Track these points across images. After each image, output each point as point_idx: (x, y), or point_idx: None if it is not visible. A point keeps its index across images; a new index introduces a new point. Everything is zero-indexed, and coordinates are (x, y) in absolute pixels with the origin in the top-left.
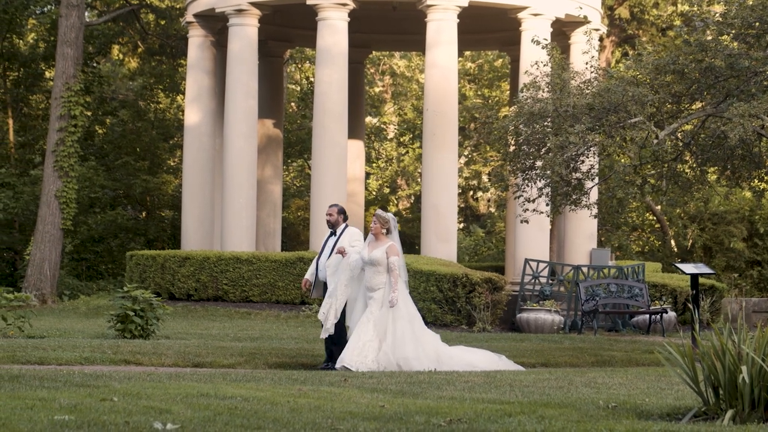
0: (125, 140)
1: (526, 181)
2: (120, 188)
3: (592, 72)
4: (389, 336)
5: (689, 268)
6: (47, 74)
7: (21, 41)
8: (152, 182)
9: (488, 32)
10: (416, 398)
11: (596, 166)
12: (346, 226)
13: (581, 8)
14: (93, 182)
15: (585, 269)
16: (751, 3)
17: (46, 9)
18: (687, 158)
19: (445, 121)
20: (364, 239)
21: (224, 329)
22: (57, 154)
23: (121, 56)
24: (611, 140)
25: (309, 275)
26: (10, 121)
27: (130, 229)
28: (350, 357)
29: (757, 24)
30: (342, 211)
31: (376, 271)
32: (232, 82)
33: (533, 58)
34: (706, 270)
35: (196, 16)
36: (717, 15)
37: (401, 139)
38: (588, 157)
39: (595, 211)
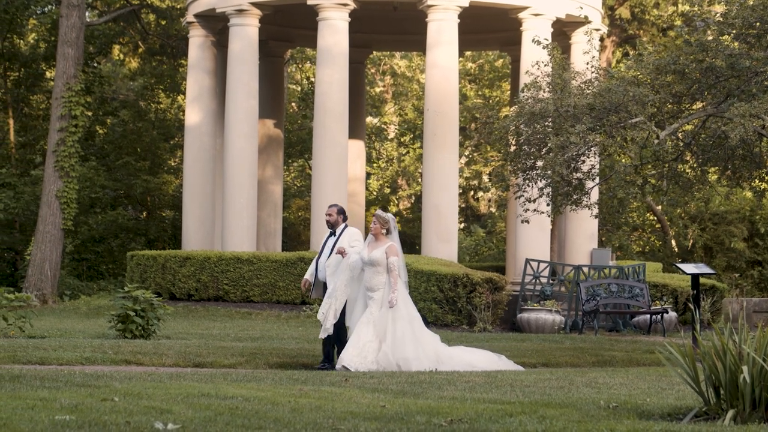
0: (126, 140)
1: (527, 181)
2: (121, 188)
3: (592, 72)
4: (389, 336)
5: (690, 268)
6: (48, 74)
7: (22, 41)
8: (153, 182)
9: (489, 32)
10: (417, 398)
11: (597, 166)
12: (346, 226)
13: (582, 8)
14: (94, 182)
15: (586, 269)
16: (751, 3)
17: (46, 9)
18: (688, 158)
19: (445, 121)
20: (364, 239)
21: (225, 329)
22: (58, 154)
23: (121, 56)
24: (612, 140)
25: (308, 275)
26: (11, 121)
27: (130, 229)
28: (350, 358)
29: (758, 24)
30: (341, 211)
31: (376, 271)
32: (233, 82)
33: (534, 58)
34: (707, 270)
35: (196, 16)
36: (718, 15)
37: (402, 139)
38: (589, 157)
39: (595, 211)
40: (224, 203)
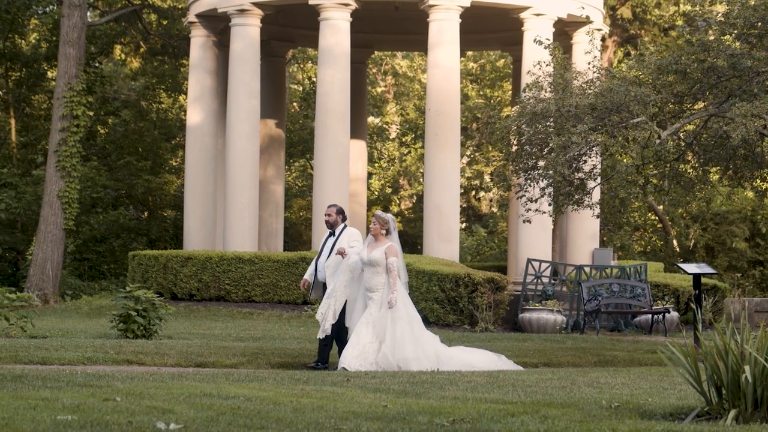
0: (127, 140)
1: (529, 181)
2: (122, 188)
3: (594, 72)
4: (388, 337)
5: (691, 268)
6: (49, 74)
7: (23, 41)
8: (154, 182)
9: (490, 32)
10: (419, 398)
11: (599, 166)
12: (345, 226)
13: (583, 8)
14: (95, 182)
15: (587, 269)
16: (753, 3)
17: (48, 9)
18: (689, 158)
19: (447, 121)
20: (364, 240)
21: (226, 329)
22: (59, 154)
23: (123, 56)
24: (614, 140)
25: (308, 276)
26: (13, 121)
27: (132, 229)
28: (350, 359)
29: (760, 24)
30: (341, 212)
31: (375, 271)
32: (235, 82)
33: (535, 58)
34: (709, 270)
35: (198, 16)
36: (719, 15)
37: (403, 139)
38: (590, 157)
39: (597, 211)
40: (226, 203)
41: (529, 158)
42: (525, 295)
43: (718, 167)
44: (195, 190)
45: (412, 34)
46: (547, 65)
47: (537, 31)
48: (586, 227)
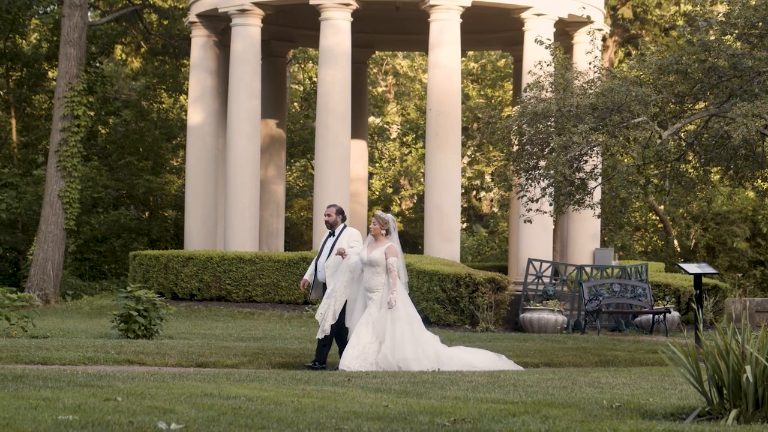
0: (128, 140)
1: (530, 181)
2: (123, 188)
3: (595, 72)
4: (388, 337)
5: (692, 267)
6: (50, 74)
7: (24, 41)
8: (155, 182)
9: (491, 32)
10: (420, 398)
11: (599, 166)
12: (345, 226)
13: (584, 8)
14: (96, 182)
15: (588, 269)
16: (754, 3)
17: (48, 9)
18: (690, 158)
19: (448, 121)
20: (364, 240)
21: (227, 329)
22: (60, 154)
23: (123, 56)
24: (614, 140)
25: (308, 276)
26: (13, 121)
27: (133, 229)
28: (350, 360)
29: (761, 24)
30: (340, 212)
31: (375, 272)
32: (235, 82)
33: (536, 58)
34: (709, 270)
35: (199, 16)
36: (720, 15)
37: (404, 139)
38: (591, 157)
39: (598, 210)
40: (227, 203)
41: (530, 158)
42: (526, 295)
43: (719, 167)
44: (196, 190)
45: (413, 34)
46: (548, 65)
47: (538, 31)
48: (587, 227)
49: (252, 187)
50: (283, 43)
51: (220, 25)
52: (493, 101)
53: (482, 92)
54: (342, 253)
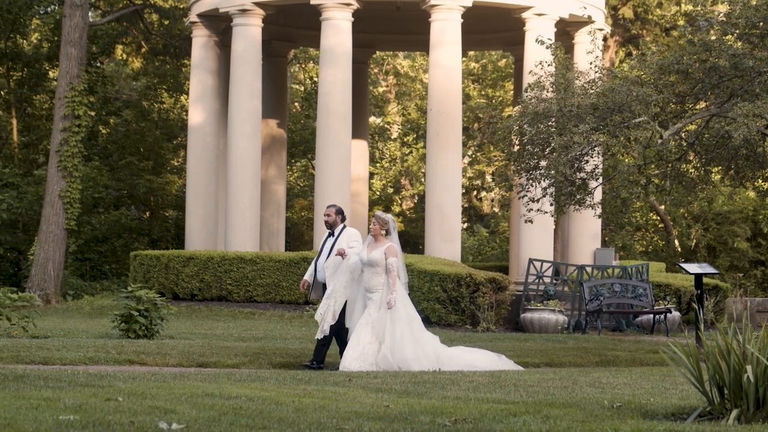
0: (129, 140)
1: (531, 181)
2: (124, 188)
3: (596, 72)
4: (388, 338)
5: (693, 267)
6: (51, 74)
7: (25, 41)
8: (156, 182)
9: (492, 32)
10: (421, 398)
11: (600, 166)
12: (344, 226)
13: (585, 8)
14: (97, 182)
15: (589, 269)
16: (755, 3)
17: (49, 9)
18: (691, 158)
19: (448, 121)
20: (364, 240)
21: (228, 329)
22: (61, 154)
23: (124, 56)
24: (615, 140)
25: (308, 276)
26: (14, 121)
27: (133, 229)
28: (350, 361)
29: (761, 24)
30: (340, 212)
31: (375, 272)
32: (236, 82)
33: (537, 58)
34: (710, 270)
35: (199, 16)
36: (721, 15)
37: (405, 139)
38: (592, 157)
39: (599, 210)
40: (227, 203)
41: (531, 158)
42: (527, 295)
43: (720, 167)
44: (197, 190)
45: (414, 34)
46: (548, 65)
47: (539, 31)
48: (587, 227)
49: (253, 187)
50: (283, 43)
51: (220, 25)
52: (493, 101)
53: (483, 92)
54: (342, 254)
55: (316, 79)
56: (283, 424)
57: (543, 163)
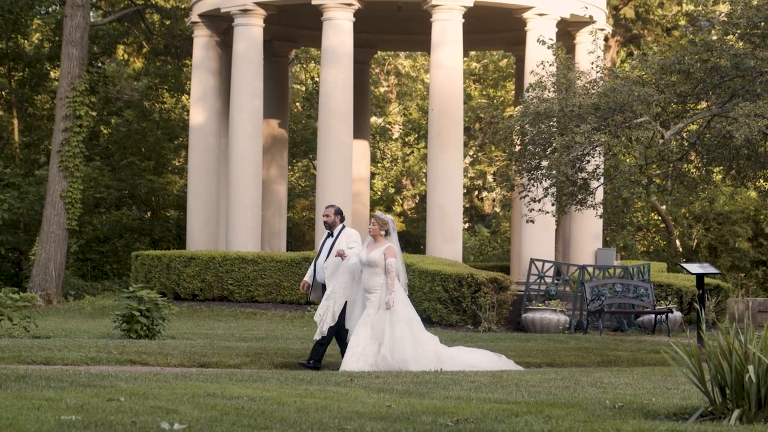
0: (130, 140)
1: (532, 181)
2: (125, 188)
3: (597, 72)
4: (387, 339)
5: (695, 267)
6: (52, 74)
7: (26, 41)
8: (157, 182)
9: (493, 32)
10: (423, 398)
11: (602, 166)
12: (344, 227)
13: (586, 8)
14: (98, 182)
15: (590, 269)
16: (756, 3)
17: (51, 9)
18: (692, 158)
19: (450, 121)
20: (363, 241)
21: (230, 329)
22: (62, 154)
23: (126, 56)
24: (617, 140)
25: (307, 277)
26: (15, 121)
27: (135, 229)
28: (350, 362)
29: (763, 24)
30: (339, 212)
31: (374, 272)
32: (238, 82)
33: (538, 58)
34: (712, 270)
35: (201, 16)
36: (722, 15)
37: (406, 139)
38: (593, 157)
39: (600, 211)
40: (229, 203)
41: (532, 158)
42: (528, 295)
43: (721, 167)
44: (198, 190)
45: (415, 34)
46: (550, 65)
47: (540, 31)
48: (589, 227)
49: (254, 187)
50: (285, 43)
51: (222, 25)
52: (495, 101)
53: (484, 92)
54: (341, 255)
55: (317, 79)
56: (285, 424)
57: (544, 163)
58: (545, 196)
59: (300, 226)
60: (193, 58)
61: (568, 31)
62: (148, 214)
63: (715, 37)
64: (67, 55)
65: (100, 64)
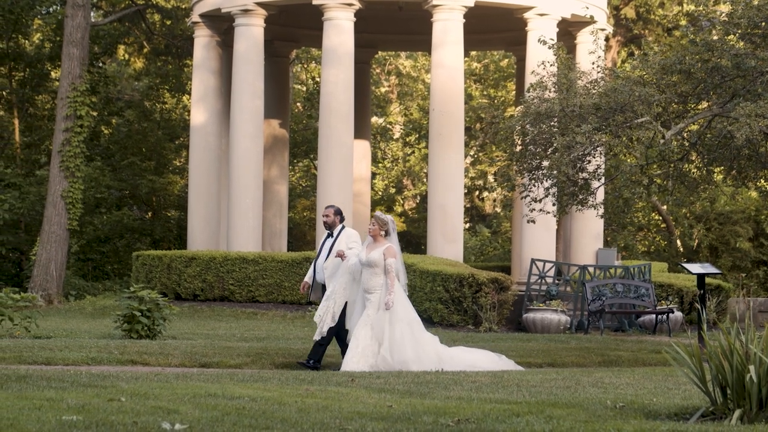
0: (131, 140)
1: (533, 181)
2: (126, 188)
3: (598, 72)
4: (386, 339)
5: (695, 268)
6: (53, 74)
7: (27, 41)
8: (158, 182)
9: (494, 32)
10: (424, 398)
11: (603, 166)
12: (343, 227)
13: (587, 8)
14: (99, 182)
15: (591, 269)
16: (756, 3)
17: (51, 9)
18: (693, 158)
19: (451, 121)
20: (363, 241)
21: (231, 329)
22: (63, 154)
23: (126, 56)
24: (618, 140)
25: (308, 278)
26: (16, 122)
27: (136, 229)
28: (350, 362)
29: (764, 24)
30: (339, 212)
31: (374, 272)
32: (238, 83)
33: (539, 58)
34: (713, 270)
35: (201, 16)
36: (723, 15)
37: (407, 139)
38: (594, 157)
39: (601, 211)
40: (229, 203)
41: (533, 158)
42: (529, 295)
43: (722, 167)
44: (199, 190)
45: (416, 34)
46: (551, 65)
47: (541, 31)
48: (590, 227)
49: (255, 187)
50: (286, 43)
51: (223, 25)
52: (496, 101)
53: (485, 92)
54: (341, 256)
55: (318, 79)
56: (286, 425)
57: (545, 163)
58: (546, 196)
59: (301, 227)
60: (194, 58)
61: (568, 31)
62: (149, 214)
63: (715, 37)
64: (68, 55)
65: (100, 64)
